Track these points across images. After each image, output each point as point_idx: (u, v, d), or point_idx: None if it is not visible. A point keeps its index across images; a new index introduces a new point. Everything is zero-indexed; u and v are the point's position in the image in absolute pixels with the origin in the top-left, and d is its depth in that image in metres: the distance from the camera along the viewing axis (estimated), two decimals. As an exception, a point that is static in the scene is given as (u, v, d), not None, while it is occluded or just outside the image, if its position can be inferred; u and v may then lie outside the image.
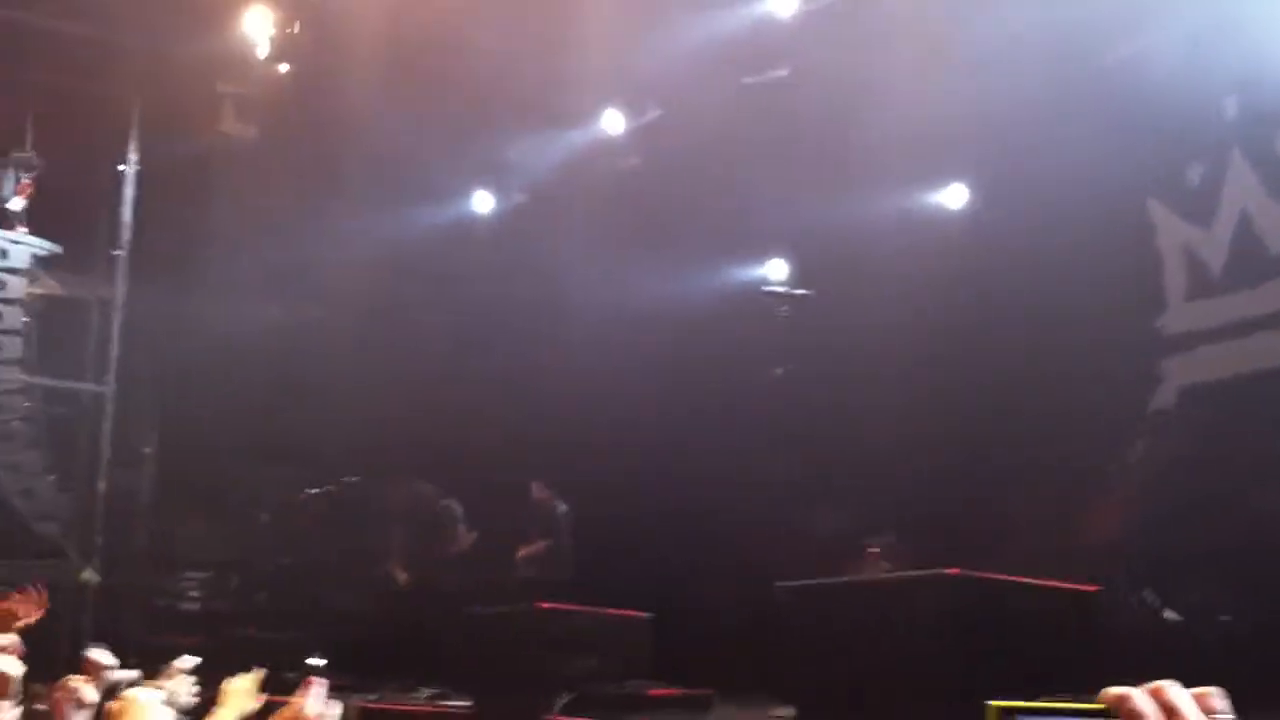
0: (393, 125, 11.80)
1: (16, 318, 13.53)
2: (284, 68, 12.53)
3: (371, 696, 8.87)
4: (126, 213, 13.61)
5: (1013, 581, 5.13)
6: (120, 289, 13.68)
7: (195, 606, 14.22)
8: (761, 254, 10.35)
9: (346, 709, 6.63)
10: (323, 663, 10.63)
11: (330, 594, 12.09)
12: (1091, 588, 5.12)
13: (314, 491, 12.29)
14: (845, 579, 6.82)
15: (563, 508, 10.03)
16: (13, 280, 13.56)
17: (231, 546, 14.57)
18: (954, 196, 9.87)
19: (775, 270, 10.41)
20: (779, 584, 5.56)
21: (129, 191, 13.60)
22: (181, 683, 3.84)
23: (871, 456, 8.90)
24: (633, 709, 6.60)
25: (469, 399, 11.64)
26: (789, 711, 5.57)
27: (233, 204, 13.37)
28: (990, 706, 1.02)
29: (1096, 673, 4.48)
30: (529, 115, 11.34)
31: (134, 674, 11.53)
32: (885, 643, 4.87)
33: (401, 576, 10.34)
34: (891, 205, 9.62)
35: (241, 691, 4.05)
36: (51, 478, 13.65)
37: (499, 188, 12.53)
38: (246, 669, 9.04)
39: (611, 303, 10.42)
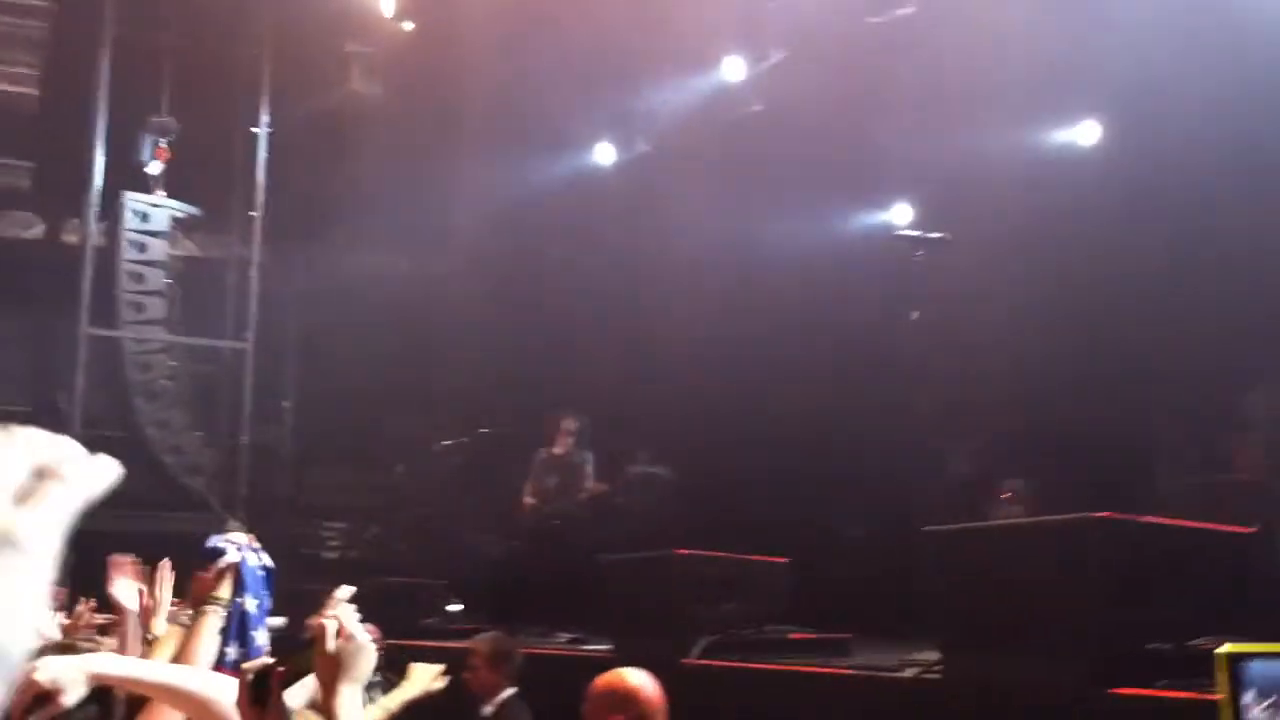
0: (516, 78, 11.90)
1: (159, 279, 14.03)
2: (409, 25, 12.70)
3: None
4: (260, 173, 13.98)
5: (1166, 524, 5.06)
6: (257, 248, 14.07)
7: (335, 555, 14.71)
8: (889, 197, 10.25)
9: (499, 643, 6.85)
10: (460, 608, 10.93)
11: (467, 541, 12.38)
12: (1248, 529, 5.03)
13: (449, 442, 12.54)
14: (994, 522, 6.80)
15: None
16: (154, 243, 14.05)
17: (369, 496, 15.01)
18: (1085, 134, 9.65)
19: (903, 214, 10.30)
20: (925, 528, 5.55)
21: (262, 153, 13.96)
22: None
23: (1004, 398, 8.81)
24: (771, 652, 6.67)
25: (596, 348, 11.76)
26: (930, 655, 5.58)
27: (362, 161, 13.62)
28: (1219, 654, 1.04)
29: (1259, 617, 4.43)
30: (651, 64, 11.33)
31: (281, 621, 11.96)
32: (1034, 587, 4.85)
33: (535, 523, 10.53)
34: (1021, 144, 9.44)
35: (427, 674, 4.22)
36: (197, 433, 14.18)
37: (623, 138, 12.56)
38: (387, 615, 9.33)
39: (738, 250, 10.43)
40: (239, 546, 3.85)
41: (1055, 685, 4.65)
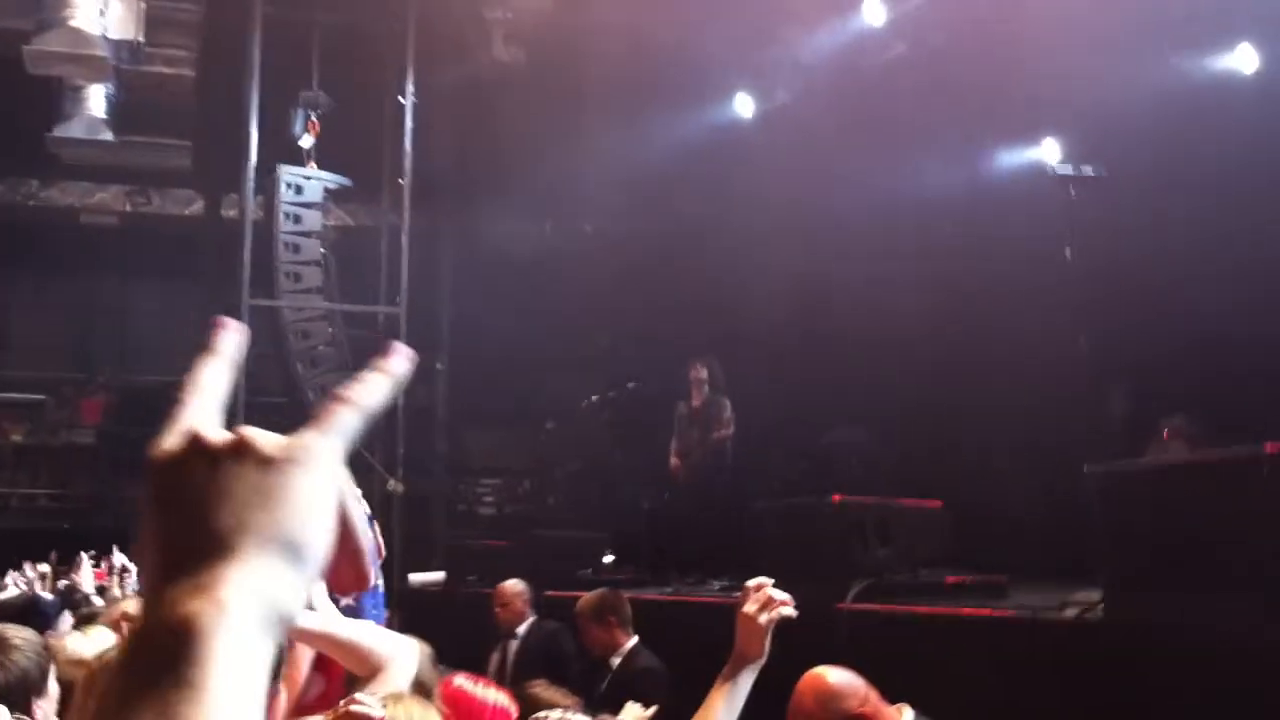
0: (653, 35, 11.91)
1: (315, 249, 14.48)
2: (546, -12, 12.81)
3: (666, 590, 9.22)
4: (408, 143, 14.29)
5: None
6: (406, 215, 14.41)
7: (491, 510, 15.10)
8: (1039, 134, 10.00)
9: (601, 599, 6.96)
10: (612, 559, 11.13)
11: (618, 494, 12.58)
12: None
13: (597, 398, 12.73)
14: (1159, 458, 6.66)
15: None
16: (308, 214, 14.49)
17: (522, 453, 15.35)
18: (1243, 59, 9.25)
19: (1053, 150, 10.05)
20: (1088, 466, 5.47)
21: (409, 122, 14.26)
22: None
23: (1164, 334, 8.57)
24: (928, 596, 6.65)
25: (742, 300, 11.76)
26: (1091, 595, 5.51)
27: (506, 127, 13.81)
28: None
29: None
30: (791, 12, 11.23)
31: (440, 575, 12.29)
32: (1202, 524, 4.75)
33: (685, 473, 10.65)
34: (1175, 72, 9.11)
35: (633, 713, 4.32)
36: (357, 397, 14.63)
37: (763, 88, 12.48)
38: (542, 568, 9.53)
39: (884, 196, 10.31)
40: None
41: (1225, 623, 4.56)
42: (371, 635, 3.21)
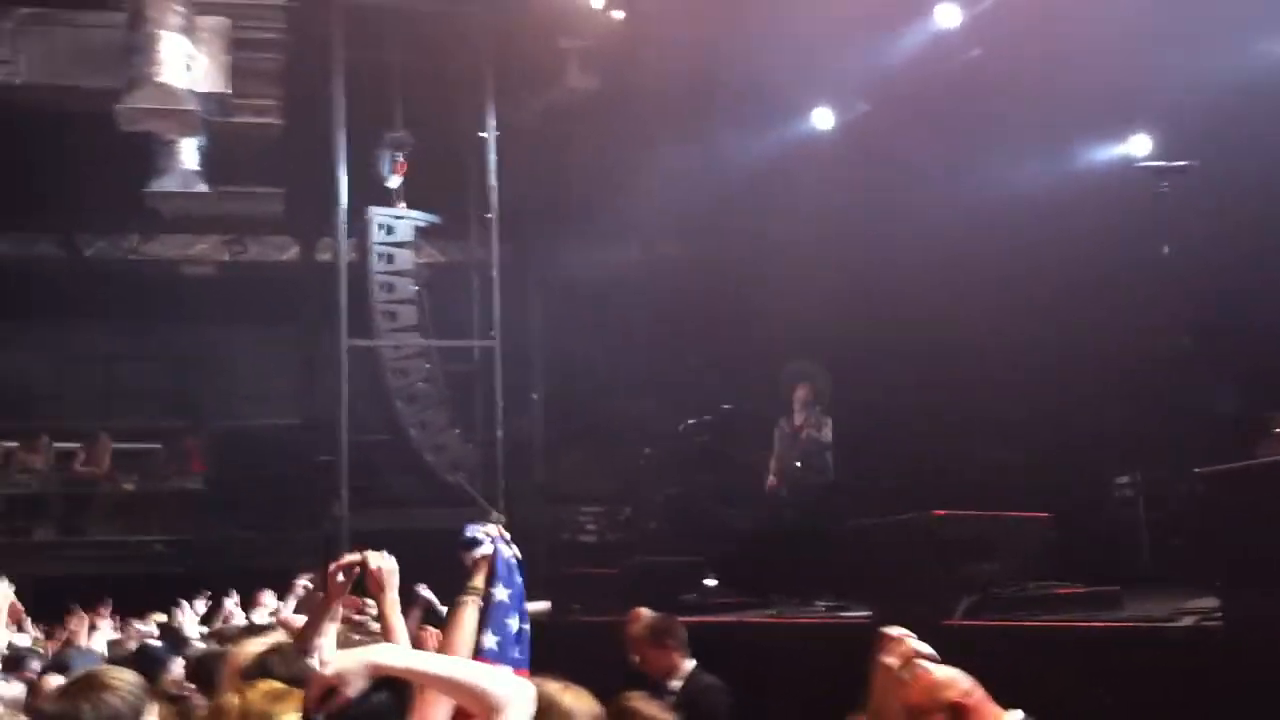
0: (726, 53, 11.91)
1: (408, 287, 14.69)
2: (619, 14, 12.87)
3: (769, 611, 9.12)
4: (492, 176, 14.44)
5: None
6: (495, 248, 14.54)
7: (593, 538, 15.10)
8: (1125, 129, 9.79)
9: (657, 622, 6.89)
10: (715, 583, 11.05)
11: (717, 517, 12.50)
12: None
13: (693, 421, 12.70)
14: (1274, 458, 6.43)
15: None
16: (400, 253, 14.72)
17: (619, 480, 15.35)
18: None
19: (1142, 145, 9.83)
20: (1196, 469, 5.30)
21: (491, 156, 14.42)
22: None
23: (1267, 329, 8.30)
24: (1038, 609, 6.49)
25: (838, 320, 11.65)
26: (1208, 602, 5.33)
27: (586, 154, 13.90)
28: None
29: None
30: (863, 21, 11.14)
31: (545, 605, 12.38)
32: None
33: (783, 492, 10.58)
34: (1267, 59, 8.85)
35: None
36: (456, 431, 14.78)
37: (840, 100, 12.39)
38: (647, 594, 9.52)
39: (970, 200, 10.16)
40: (492, 538, 4.00)
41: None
42: (489, 678, 3.22)
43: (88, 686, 3.26)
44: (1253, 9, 8.47)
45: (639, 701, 4.82)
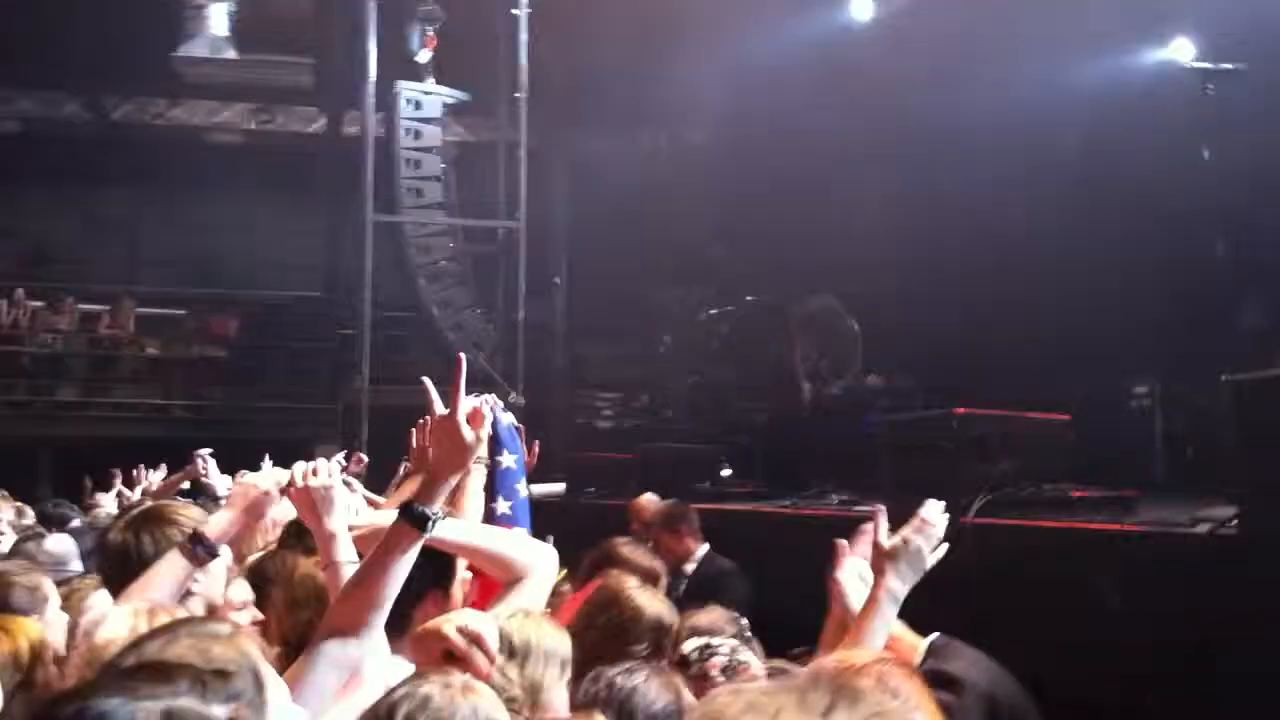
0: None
1: (435, 164, 14.57)
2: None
3: (785, 503, 9.18)
4: (523, 56, 14.22)
5: None
6: (524, 129, 14.38)
7: (610, 424, 15.18)
8: (1170, 31, 9.55)
9: (670, 510, 6.96)
10: (730, 473, 11.11)
11: (734, 408, 12.52)
12: None
13: (715, 311, 12.65)
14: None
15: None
16: (428, 129, 14.57)
17: (638, 368, 15.39)
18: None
19: (1184, 49, 9.60)
20: (1225, 376, 5.27)
21: (523, 34, 14.18)
22: None
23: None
24: (1054, 510, 6.51)
25: (873, 210, 11.52)
26: (1225, 510, 5.33)
27: (620, 38, 13.65)
28: None
29: None
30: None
31: (559, 487, 12.46)
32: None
33: (805, 388, 10.58)
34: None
35: None
36: (478, 310, 14.80)
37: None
38: (661, 480, 9.56)
39: (1010, 100, 9.95)
40: (490, 406, 3.99)
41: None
42: (515, 545, 3.26)
43: (150, 519, 3.23)
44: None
45: (625, 547, 4.92)
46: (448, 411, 2.69)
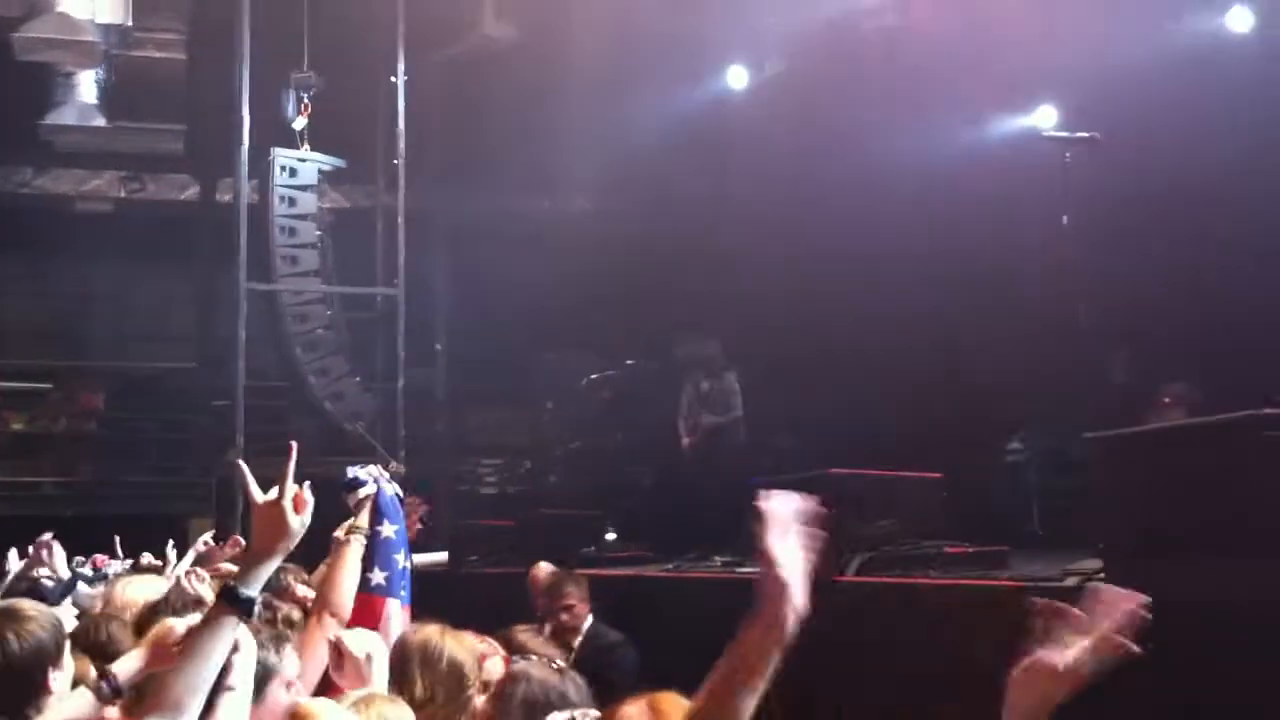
0: (643, 7, 11.83)
1: (310, 231, 14.38)
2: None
3: (668, 566, 9.19)
4: (401, 122, 14.18)
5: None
6: (401, 196, 14.32)
7: (493, 490, 15.08)
8: (1032, 100, 9.94)
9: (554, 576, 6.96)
10: (614, 537, 11.10)
11: (619, 472, 12.54)
12: None
13: (596, 376, 12.69)
14: (1160, 424, 6.60)
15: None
16: (303, 196, 14.38)
17: (522, 433, 15.32)
18: (1237, 20, 9.17)
19: (1048, 116, 10.00)
20: (1087, 434, 5.43)
21: (401, 102, 14.16)
22: None
23: (1162, 301, 8.52)
24: (929, 566, 6.61)
25: (746, 281, 11.71)
26: (1093, 564, 5.47)
27: (499, 104, 13.73)
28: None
29: None
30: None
31: (441, 556, 12.31)
32: (1204, 489, 4.70)
33: (686, 448, 10.65)
34: (1168, 33, 9.05)
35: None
36: (356, 379, 14.58)
37: (755, 59, 12.38)
38: (546, 546, 9.50)
39: (878, 165, 10.24)
40: (374, 477, 3.96)
41: (1226, 591, 4.51)
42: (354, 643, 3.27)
43: (8, 617, 3.19)
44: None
45: (525, 634, 4.86)
46: (274, 498, 2.68)
